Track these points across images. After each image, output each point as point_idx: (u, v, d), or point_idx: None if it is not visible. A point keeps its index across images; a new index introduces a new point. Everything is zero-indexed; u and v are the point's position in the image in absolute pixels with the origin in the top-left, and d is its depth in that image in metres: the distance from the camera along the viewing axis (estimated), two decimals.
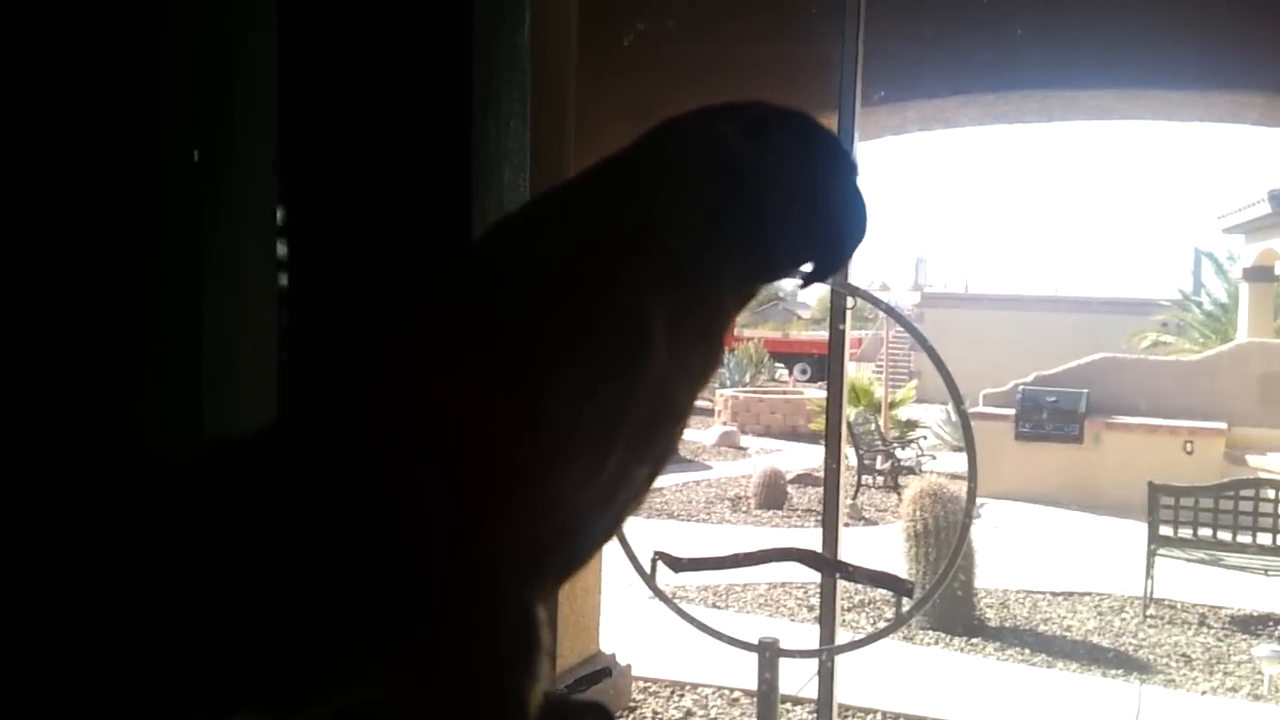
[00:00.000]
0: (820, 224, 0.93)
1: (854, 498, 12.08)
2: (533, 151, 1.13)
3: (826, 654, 3.08)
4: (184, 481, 0.86)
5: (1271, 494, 8.28)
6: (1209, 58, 4.14)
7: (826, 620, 3.38)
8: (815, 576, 3.94)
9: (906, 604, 3.03)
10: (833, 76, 2.72)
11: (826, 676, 3.39)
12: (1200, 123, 5.07)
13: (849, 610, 7.67)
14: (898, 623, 3.11)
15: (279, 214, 1.11)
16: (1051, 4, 4.14)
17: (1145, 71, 4.29)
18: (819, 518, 10.51)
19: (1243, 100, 4.49)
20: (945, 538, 7.48)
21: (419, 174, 1.06)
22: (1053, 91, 4.43)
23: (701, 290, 0.89)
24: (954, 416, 15.27)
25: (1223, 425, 12.62)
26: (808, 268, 0.97)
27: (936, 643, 7.34)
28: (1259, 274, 15.25)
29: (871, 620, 7.67)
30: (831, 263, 0.98)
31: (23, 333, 1.14)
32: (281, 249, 1.13)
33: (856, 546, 7.89)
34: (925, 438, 14.81)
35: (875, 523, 11.33)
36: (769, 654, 2.96)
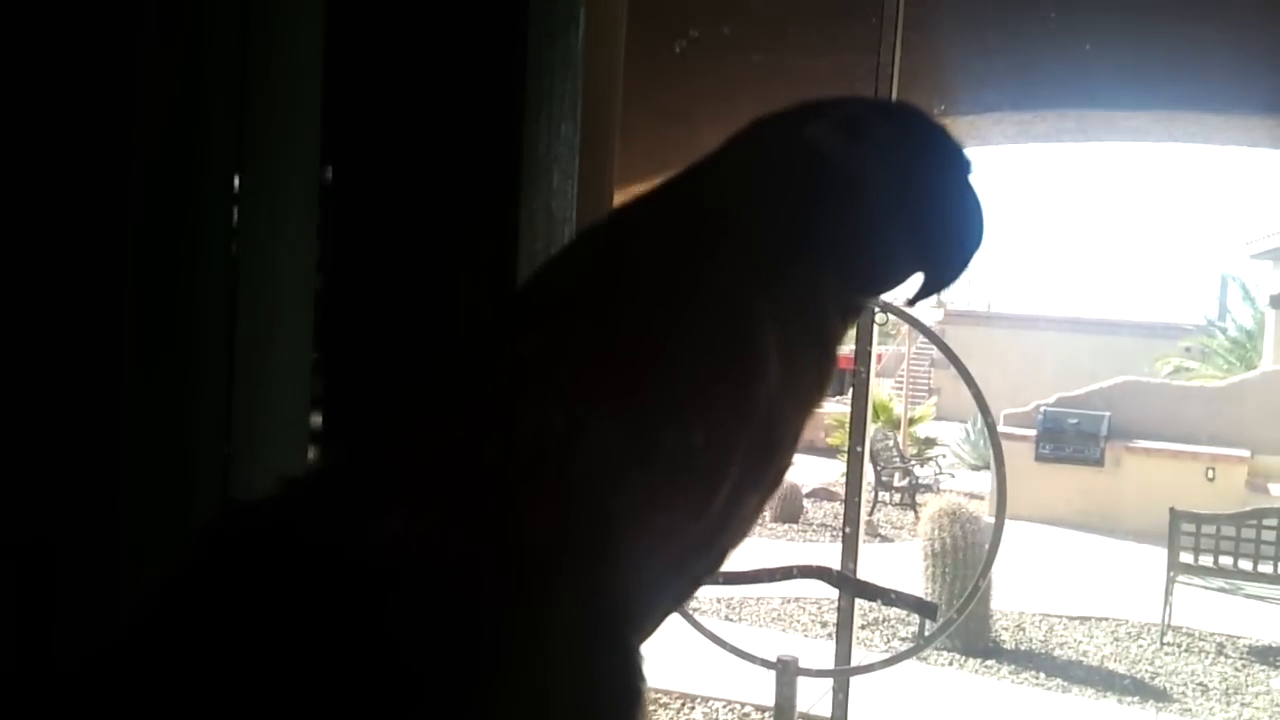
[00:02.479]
0: (930, 229, 0.84)
1: (870, 514, 12.00)
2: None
3: (845, 675, 3.04)
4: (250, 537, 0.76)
5: None
6: (1247, 81, 4.08)
7: (843, 640, 3.34)
8: (830, 592, 3.90)
9: (929, 626, 2.98)
10: (889, 89, 2.69)
11: (841, 695, 3.36)
12: (1237, 146, 5.00)
13: (863, 627, 7.61)
14: (920, 646, 3.06)
15: (320, 213, 1.09)
16: (1092, 26, 4.10)
17: (1183, 94, 4.24)
18: (835, 533, 10.46)
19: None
20: (963, 557, 7.43)
21: (466, 175, 1.04)
22: (1090, 111, 4.38)
23: (808, 303, 0.82)
24: (973, 435, 15.19)
25: (1245, 453, 12.49)
26: (919, 279, 0.87)
27: (951, 664, 7.28)
28: None
29: (886, 638, 7.61)
30: (945, 273, 0.87)
31: (61, 337, 1.13)
32: (320, 249, 1.11)
33: (873, 563, 7.83)
34: (944, 455, 14.71)
35: (891, 540, 11.26)
36: (787, 672, 2.92)
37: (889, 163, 0.83)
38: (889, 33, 2.92)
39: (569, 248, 0.94)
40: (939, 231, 0.84)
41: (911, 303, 0.90)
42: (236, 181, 1.15)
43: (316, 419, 1.08)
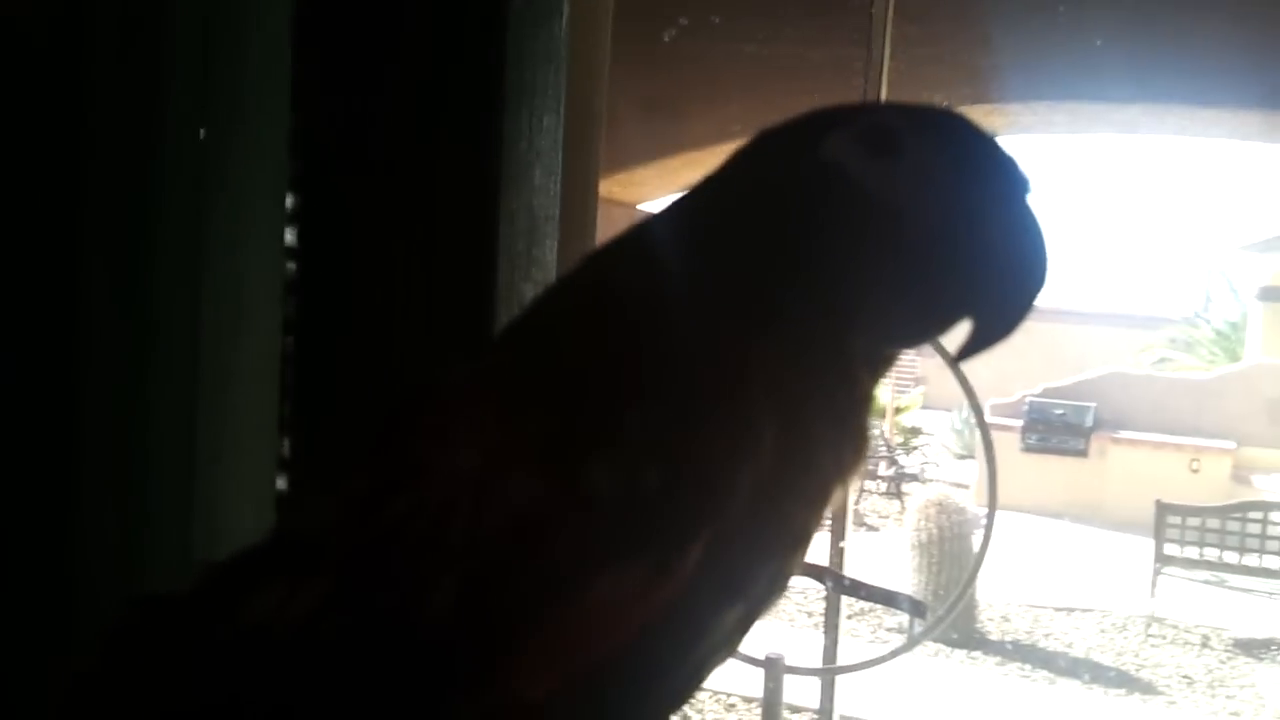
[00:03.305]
0: (982, 267, 0.67)
1: (856, 503, 12.00)
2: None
3: (832, 674, 3.01)
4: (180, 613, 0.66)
5: (1279, 517, 8.21)
6: (1238, 76, 4.06)
7: (831, 636, 3.32)
8: (814, 583, 3.86)
9: (918, 624, 2.95)
10: (878, 82, 2.64)
11: (827, 689, 3.34)
12: (1227, 140, 4.98)
13: (849, 618, 7.60)
14: (909, 644, 3.03)
15: (287, 217, 1.03)
16: (1083, 17, 4.06)
17: (1175, 87, 4.21)
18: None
19: (1273, 119, 4.41)
20: (950, 548, 7.42)
21: (442, 173, 0.98)
22: (1081, 104, 4.35)
23: (823, 358, 0.66)
24: (959, 424, 15.20)
25: (1230, 445, 12.53)
26: (966, 325, 0.69)
27: (936, 654, 7.27)
28: (1271, 294, 15.14)
29: (872, 629, 7.60)
30: (1000, 321, 0.68)
31: (16, 325, 1.08)
32: (291, 248, 1.06)
33: (859, 553, 7.81)
34: (930, 445, 14.72)
35: (877, 529, 11.25)
36: (774, 670, 2.89)
37: (928, 183, 0.67)
38: (879, 25, 2.87)
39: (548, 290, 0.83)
40: (992, 269, 0.67)
41: (960, 359, 0.71)
42: (198, 168, 1.11)
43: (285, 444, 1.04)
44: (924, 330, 0.71)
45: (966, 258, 0.67)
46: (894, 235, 0.67)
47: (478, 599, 0.59)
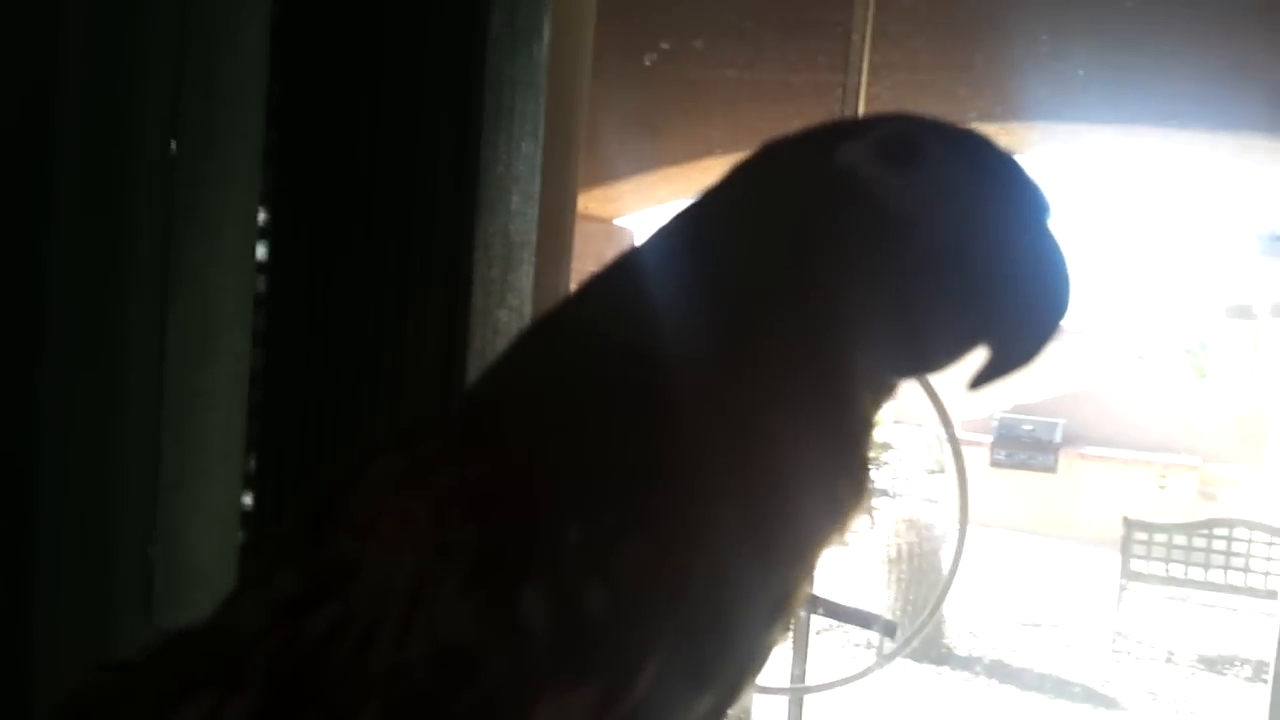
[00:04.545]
0: (1000, 287, 0.63)
1: None
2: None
3: (801, 694, 3.00)
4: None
5: (1244, 534, 8.30)
6: (1214, 98, 4.10)
7: (799, 656, 3.30)
8: None
9: (887, 644, 2.94)
10: (853, 104, 2.63)
11: (795, 708, 3.32)
12: (1203, 161, 5.04)
13: (818, 633, 7.59)
14: (879, 664, 3.03)
15: (259, 242, 1.01)
16: (1065, 45, 4.09)
17: (1150, 109, 4.24)
18: None
19: (1245, 141, 4.45)
20: (919, 564, 7.44)
21: (420, 193, 0.96)
22: (1056, 124, 4.38)
23: (824, 386, 0.61)
24: (929, 440, 15.26)
25: (1197, 461, 12.66)
26: (983, 352, 0.65)
27: (904, 670, 7.28)
28: (1238, 311, 15.32)
29: (840, 645, 7.60)
30: (1019, 349, 0.64)
31: None
32: (262, 271, 1.04)
33: (829, 568, 7.82)
34: (900, 460, 14.76)
35: (847, 544, 11.27)
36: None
37: (948, 200, 0.62)
38: (857, 50, 2.86)
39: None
40: (1013, 293, 0.63)
41: (974, 388, 0.66)
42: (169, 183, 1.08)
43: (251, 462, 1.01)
44: (936, 355, 0.66)
45: (985, 279, 0.63)
46: (908, 251, 0.62)
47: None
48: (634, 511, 0.54)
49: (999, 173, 0.64)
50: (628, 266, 0.68)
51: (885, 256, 0.62)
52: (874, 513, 10.99)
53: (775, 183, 0.67)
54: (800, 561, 0.62)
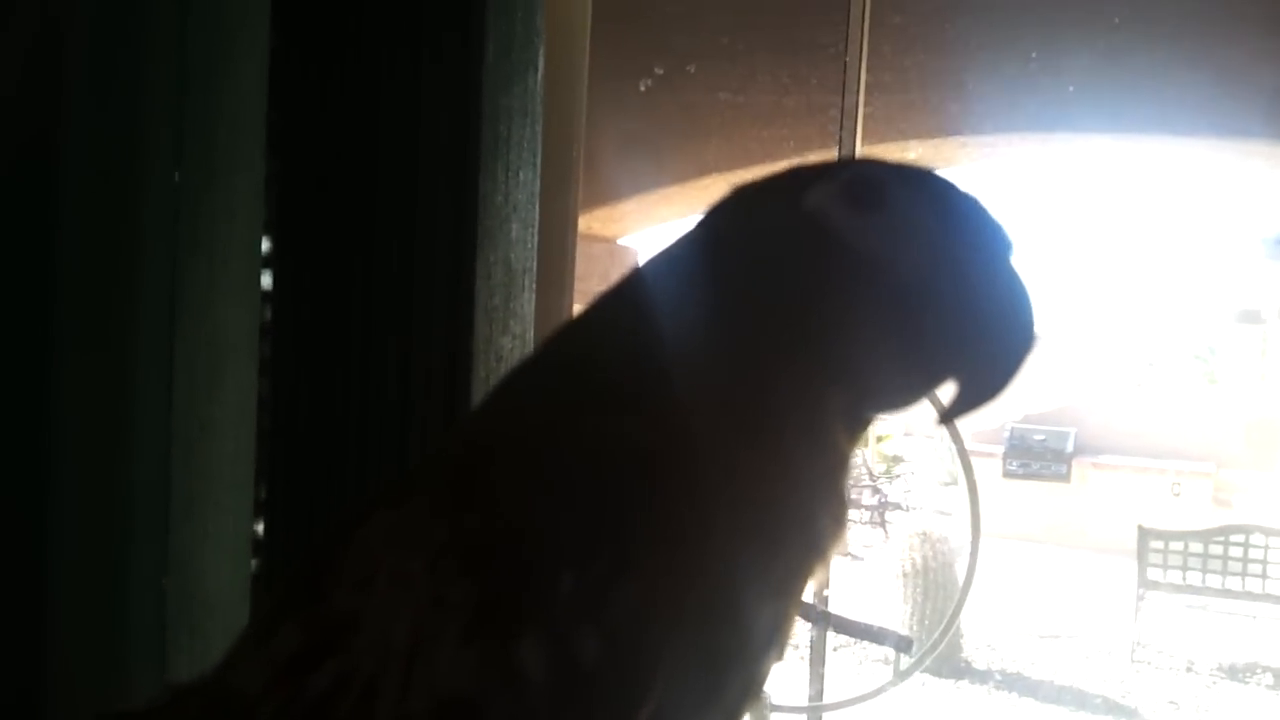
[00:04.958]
0: (967, 324, 0.65)
1: None
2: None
3: (819, 711, 2.99)
4: None
5: (1261, 540, 8.24)
6: (1211, 105, 4.11)
7: (816, 674, 3.29)
8: (799, 620, 3.84)
9: (904, 660, 2.94)
10: (851, 125, 2.65)
11: None
12: (1205, 168, 5.06)
13: (835, 650, 7.56)
14: (896, 680, 3.02)
15: (264, 271, 1.03)
16: (1054, 48, 4.11)
17: (1148, 117, 4.26)
18: None
19: (1246, 147, 4.46)
20: (935, 578, 7.41)
21: (421, 224, 0.98)
22: (1053, 134, 4.40)
23: (803, 425, 0.63)
24: (941, 452, 15.21)
25: (1210, 467, 12.59)
26: (950, 389, 0.68)
27: (923, 685, 7.24)
28: (1249, 316, 15.27)
29: (859, 661, 7.56)
30: (988, 382, 0.67)
31: None
32: (268, 301, 1.05)
33: (843, 583, 7.79)
34: (912, 473, 14.72)
35: (861, 558, 11.23)
36: (761, 709, 2.87)
37: (914, 239, 0.65)
38: (853, 72, 2.87)
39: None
40: (979, 329, 0.65)
41: (944, 421, 0.69)
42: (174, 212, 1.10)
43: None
44: (906, 391, 0.68)
45: (953, 316, 0.65)
46: (876, 290, 0.65)
47: None
48: (624, 557, 0.56)
49: (962, 213, 0.67)
50: (608, 310, 0.71)
51: (854, 297, 0.65)
52: (888, 526, 10.98)
53: (745, 228, 0.69)
54: (787, 593, 0.64)
